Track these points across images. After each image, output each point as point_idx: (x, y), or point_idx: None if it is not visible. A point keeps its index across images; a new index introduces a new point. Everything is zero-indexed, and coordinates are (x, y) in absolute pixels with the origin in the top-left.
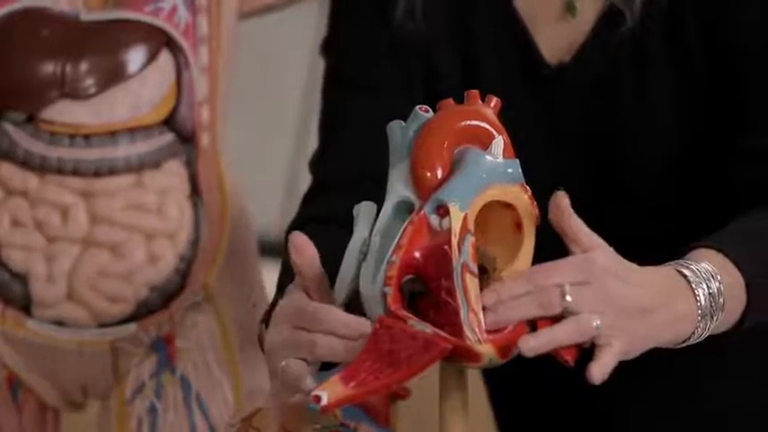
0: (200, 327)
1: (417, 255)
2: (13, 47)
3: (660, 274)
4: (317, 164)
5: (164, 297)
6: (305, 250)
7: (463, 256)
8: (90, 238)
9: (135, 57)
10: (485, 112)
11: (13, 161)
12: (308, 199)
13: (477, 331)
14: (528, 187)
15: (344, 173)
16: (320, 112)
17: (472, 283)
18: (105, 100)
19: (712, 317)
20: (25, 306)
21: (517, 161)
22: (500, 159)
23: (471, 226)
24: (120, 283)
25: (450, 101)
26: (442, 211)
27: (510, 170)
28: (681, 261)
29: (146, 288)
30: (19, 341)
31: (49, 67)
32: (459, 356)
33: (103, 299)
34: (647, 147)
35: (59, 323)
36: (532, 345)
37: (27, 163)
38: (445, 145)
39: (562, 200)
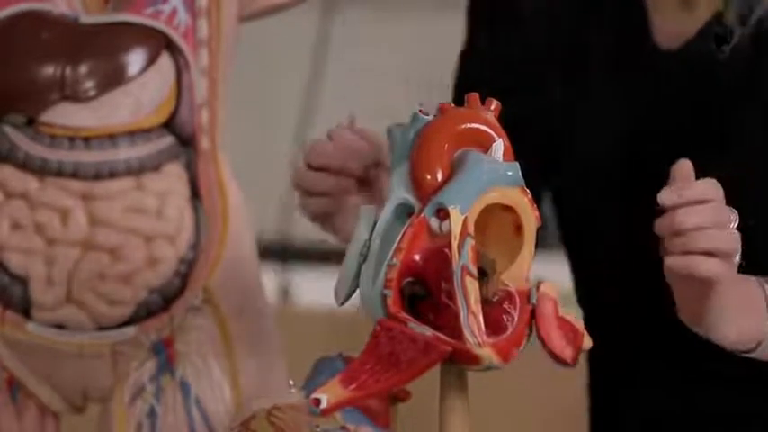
0: (200, 329)
1: (417, 257)
2: (13, 49)
3: (748, 286)
4: None
5: (164, 300)
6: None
7: (463, 258)
8: (90, 241)
9: (135, 59)
10: (485, 115)
11: (13, 164)
12: None
13: (476, 334)
14: (528, 190)
15: None
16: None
17: (472, 285)
18: (105, 103)
19: None
20: (25, 309)
21: (517, 164)
22: (500, 162)
23: (471, 229)
24: (119, 285)
25: (451, 104)
26: (443, 213)
27: (510, 173)
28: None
29: (145, 291)
30: (18, 344)
31: (48, 70)
32: (458, 359)
33: (103, 302)
34: (747, 147)
35: (59, 326)
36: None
37: (27, 165)
38: (445, 148)
39: (686, 167)
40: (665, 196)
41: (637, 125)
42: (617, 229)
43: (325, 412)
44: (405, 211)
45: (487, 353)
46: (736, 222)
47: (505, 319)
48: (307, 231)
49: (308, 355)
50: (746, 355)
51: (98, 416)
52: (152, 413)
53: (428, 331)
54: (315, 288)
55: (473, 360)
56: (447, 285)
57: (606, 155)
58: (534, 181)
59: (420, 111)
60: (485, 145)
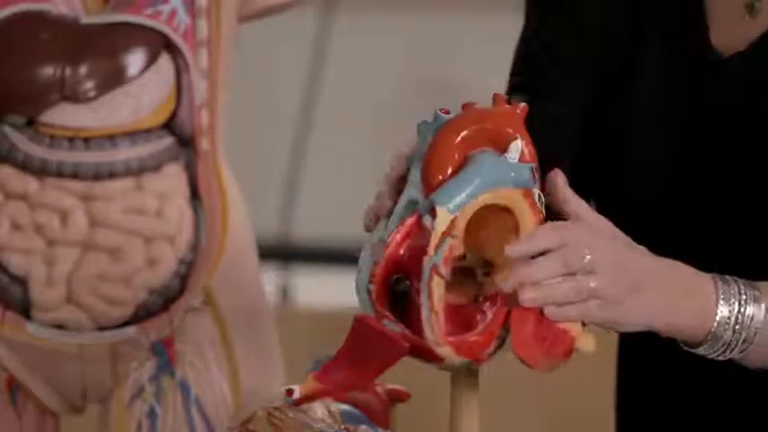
0: (200, 330)
1: (403, 253)
2: (13, 50)
3: (679, 270)
4: None
5: (163, 300)
6: None
7: (435, 257)
8: (89, 242)
9: (134, 60)
10: (505, 114)
11: (13, 164)
12: None
13: (436, 332)
14: (533, 192)
15: None
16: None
17: (438, 285)
18: (105, 103)
19: (734, 337)
20: (25, 309)
21: (529, 166)
22: (507, 163)
23: (458, 229)
24: (119, 286)
25: (474, 103)
26: (434, 212)
27: (513, 174)
28: (733, 276)
29: (145, 291)
30: (18, 345)
31: (48, 71)
32: (423, 356)
33: (103, 302)
34: None
35: (59, 326)
36: (529, 296)
37: (27, 166)
38: (456, 147)
39: (558, 177)
40: (510, 250)
41: (690, 131)
42: (667, 236)
43: (297, 403)
44: (413, 208)
45: (447, 351)
46: (588, 258)
47: (478, 318)
48: (307, 232)
49: (307, 356)
50: (695, 351)
51: (98, 416)
52: (152, 413)
53: (398, 328)
54: (314, 288)
55: (435, 358)
56: (417, 283)
57: (660, 157)
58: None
59: (441, 110)
60: (503, 145)
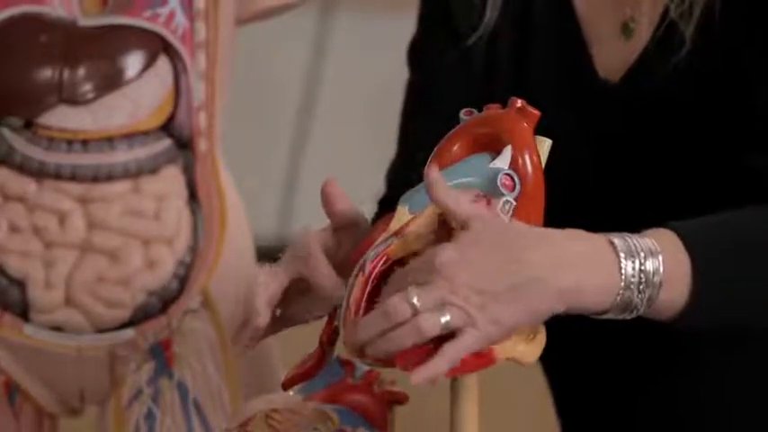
0: (198, 332)
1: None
2: (11, 52)
3: (567, 245)
4: (388, 173)
5: (162, 302)
6: (335, 192)
7: (368, 255)
8: (88, 244)
9: (133, 62)
10: (508, 120)
11: (11, 166)
12: (379, 206)
13: (344, 328)
14: (494, 199)
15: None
16: (399, 119)
17: (357, 282)
18: (103, 105)
19: (641, 293)
20: (23, 311)
21: (499, 170)
22: (485, 168)
23: (411, 230)
24: (117, 288)
25: (495, 106)
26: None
27: (480, 179)
28: (621, 233)
29: (144, 293)
30: (16, 347)
31: (46, 73)
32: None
33: (101, 304)
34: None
35: (57, 329)
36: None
37: (25, 168)
38: (455, 149)
39: (432, 172)
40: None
41: (589, 160)
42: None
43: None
44: None
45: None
46: (416, 299)
47: None
48: None
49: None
50: (604, 316)
51: (96, 419)
52: (150, 416)
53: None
54: None
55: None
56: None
57: (566, 188)
58: None
59: (464, 111)
60: (500, 150)
